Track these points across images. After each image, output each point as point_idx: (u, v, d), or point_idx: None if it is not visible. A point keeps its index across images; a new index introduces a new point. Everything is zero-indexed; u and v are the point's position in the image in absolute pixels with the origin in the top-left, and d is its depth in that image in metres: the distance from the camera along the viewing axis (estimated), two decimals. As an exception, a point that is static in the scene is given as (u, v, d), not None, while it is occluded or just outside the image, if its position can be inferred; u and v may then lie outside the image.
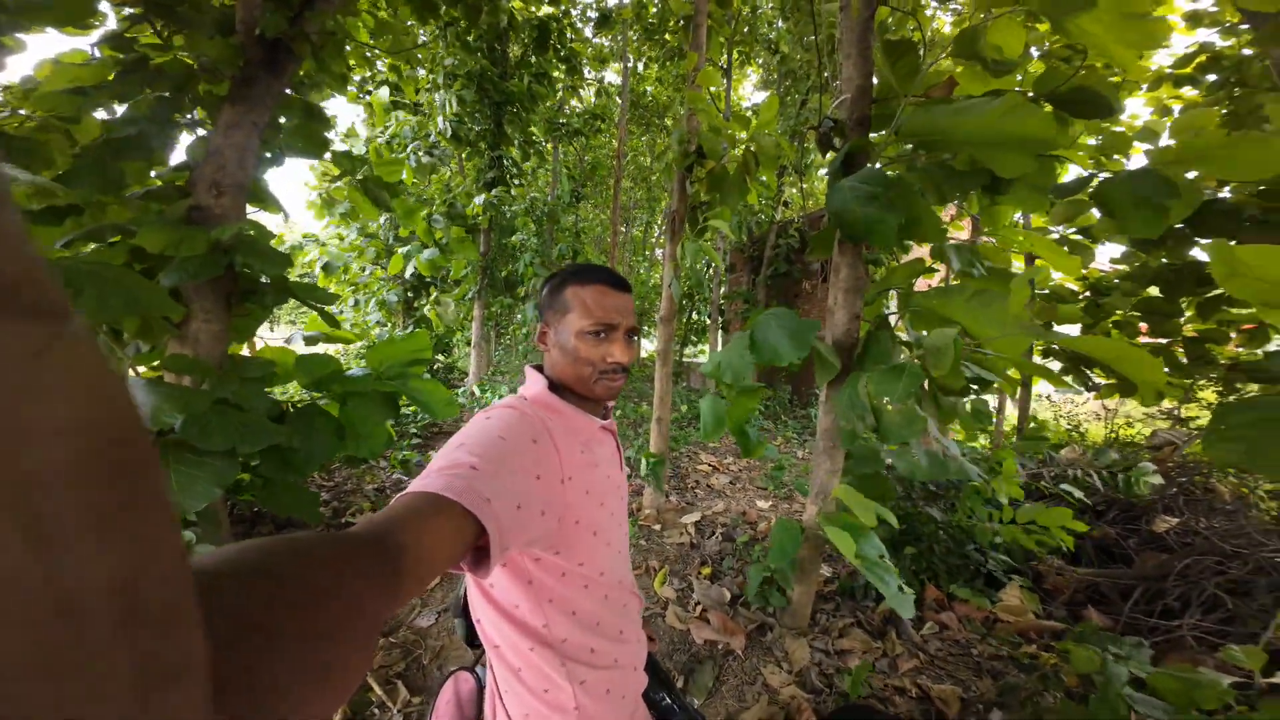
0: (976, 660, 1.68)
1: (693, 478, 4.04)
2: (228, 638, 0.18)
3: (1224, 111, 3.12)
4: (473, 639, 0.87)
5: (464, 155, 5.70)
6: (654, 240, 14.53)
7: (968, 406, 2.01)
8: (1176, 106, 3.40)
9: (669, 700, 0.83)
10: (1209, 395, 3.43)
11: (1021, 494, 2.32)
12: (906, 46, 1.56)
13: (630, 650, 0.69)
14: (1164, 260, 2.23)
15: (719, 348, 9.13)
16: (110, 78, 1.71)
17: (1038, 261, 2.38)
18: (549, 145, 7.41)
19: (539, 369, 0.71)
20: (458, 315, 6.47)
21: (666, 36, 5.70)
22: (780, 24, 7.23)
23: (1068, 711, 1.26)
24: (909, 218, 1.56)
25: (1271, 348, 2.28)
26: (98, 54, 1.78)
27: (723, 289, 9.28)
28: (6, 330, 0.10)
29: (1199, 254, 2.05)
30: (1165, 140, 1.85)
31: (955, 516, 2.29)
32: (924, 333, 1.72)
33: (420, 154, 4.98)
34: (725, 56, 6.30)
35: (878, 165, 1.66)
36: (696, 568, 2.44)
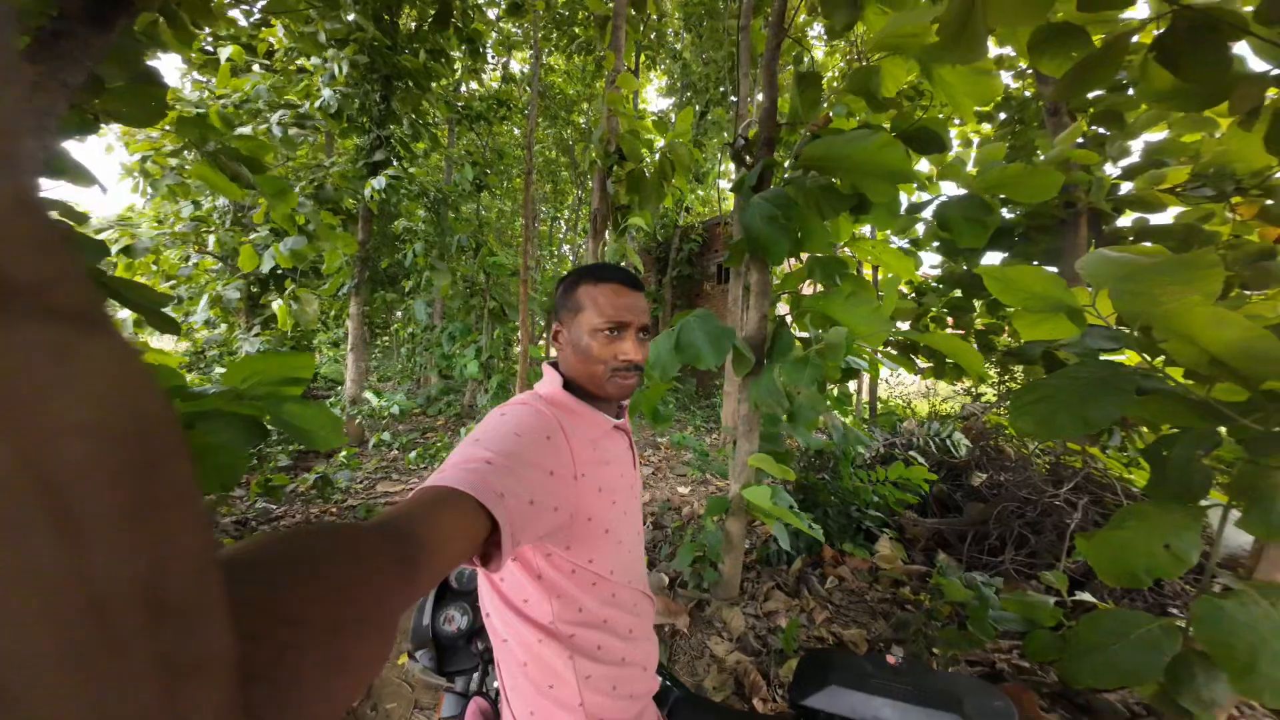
0: (870, 605, 2.03)
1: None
2: (253, 629, 0.18)
3: (1008, 145, 4.15)
4: (443, 666, 0.82)
5: (338, 132, 4.96)
6: (561, 236, 14.27)
7: (835, 391, 2.39)
8: (976, 139, 4.40)
9: (667, 681, 0.87)
10: (991, 375, 4.54)
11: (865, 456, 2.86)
12: (814, 79, 1.80)
13: (639, 649, 0.70)
14: (964, 268, 2.90)
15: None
16: None
17: (881, 269, 2.89)
18: (443, 128, 6.82)
19: (555, 366, 0.72)
20: (318, 314, 5.59)
21: (576, 29, 5.64)
22: (684, 34, 7.61)
23: (954, 636, 1.61)
24: (803, 231, 1.81)
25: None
26: None
27: None
28: (38, 329, 0.10)
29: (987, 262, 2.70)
30: (970, 167, 2.36)
31: (843, 483, 2.70)
32: (818, 330, 2.02)
33: (287, 125, 4.21)
34: (634, 58, 6.45)
35: (778, 185, 1.89)
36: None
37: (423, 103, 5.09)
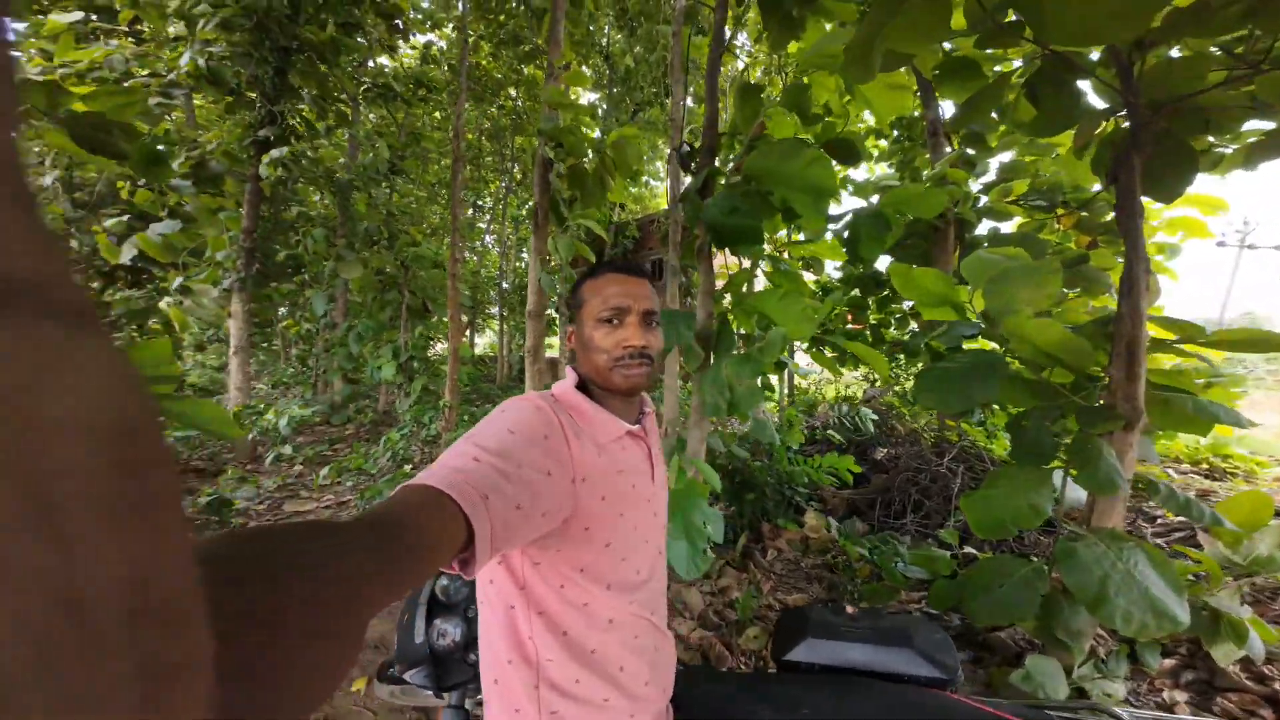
0: (806, 571, 2.27)
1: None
2: (229, 630, 0.18)
3: (897, 161, 4.81)
4: (442, 682, 0.79)
5: (223, 104, 4.21)
6: (483, 226, 13.51)
7: (759, 381, 2.63)
8: (875, 153, 5.02)
9: None
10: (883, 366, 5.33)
11: (803, 438, 3.20)
12: (754, 91, 1.94)
13: (633, 693, 0.61)
14: (860, 270, 3.36)
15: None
16: None
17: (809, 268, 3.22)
18: (348, 106, 6.12)
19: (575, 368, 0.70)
20: (217, 309, 4.75)
21: (501, 18, 5.37)
22: (609, 32, 7.59)
23: (876, 590, 1.86)
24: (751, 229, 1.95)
25: (912, 329, 3.66)
26: None
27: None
28: (29, 328, 0.10)
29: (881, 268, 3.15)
30: (864, 178, 2.71)
31: (780, 465, 2.96)
32: (756, 330, 2.21)
33: (149, 94, 3.48)
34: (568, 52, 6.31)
35: (721, 193, 2.03)
36: None
37: (332, 77, 4.50)
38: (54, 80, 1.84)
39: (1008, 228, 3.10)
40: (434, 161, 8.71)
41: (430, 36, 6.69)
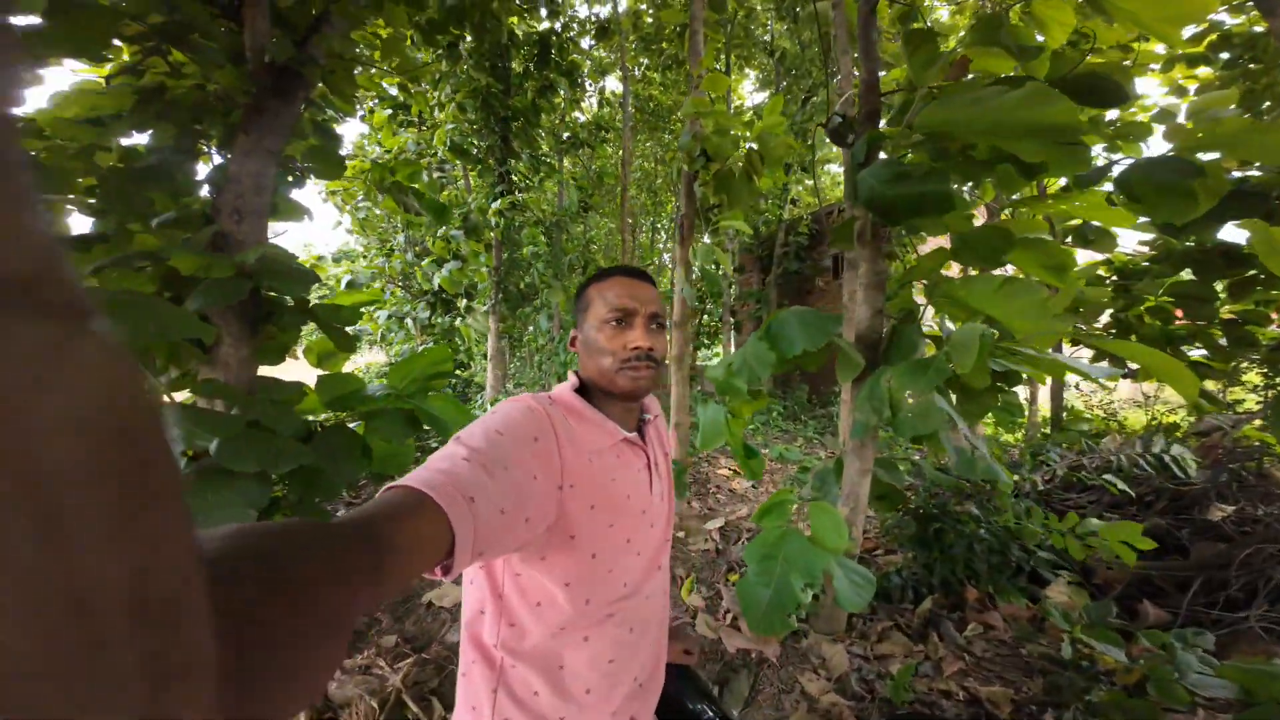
0: (1026, 660, 1.61)
1: (714, 483, 4.00)
2: (227, 630, 0.18)
3: (1240, 91, 3.04)
4: None
5: (472, 170, 5.84)
6: (660, 246, 14.55)
7: (999, 400, 1.93)
8: (1192, 86, 3.33)
9: (711, 712, 0.80)
10: (1253, 377, 3.28)
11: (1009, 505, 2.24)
12: (925, 36, 1.54)
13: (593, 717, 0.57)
14: (1190, 243, 2.15)
15: (733, 349, 9.09)
16: (127, 107, 1.73)
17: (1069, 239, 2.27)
18: (554, 158, 7.52)
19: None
20: (483, 326, 6.63)
21: (664, 45, 5.74)
22: (772, 25, 7.24)
23: (1122, 703, 1.20)
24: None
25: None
26: (110, 84, 1.81)
27: (733, 290, 9.24)
28: (27, 325, 0.10)
29: (1228, 235, 1.96)
30: (1181, 119, 1.77)
31: (1003, 518, 2.20)
32: (959, 325, 1.67)
33: (431, 170, 5.11)
34: (724, 60, 6.33)
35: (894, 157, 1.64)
36: (723, 574, 2.40)
37: (538, 137, 5.73)
38: (385, 162, 2.79)
39: None
40: (618, 195, 9.84)
41: (606, 81, 7.59)
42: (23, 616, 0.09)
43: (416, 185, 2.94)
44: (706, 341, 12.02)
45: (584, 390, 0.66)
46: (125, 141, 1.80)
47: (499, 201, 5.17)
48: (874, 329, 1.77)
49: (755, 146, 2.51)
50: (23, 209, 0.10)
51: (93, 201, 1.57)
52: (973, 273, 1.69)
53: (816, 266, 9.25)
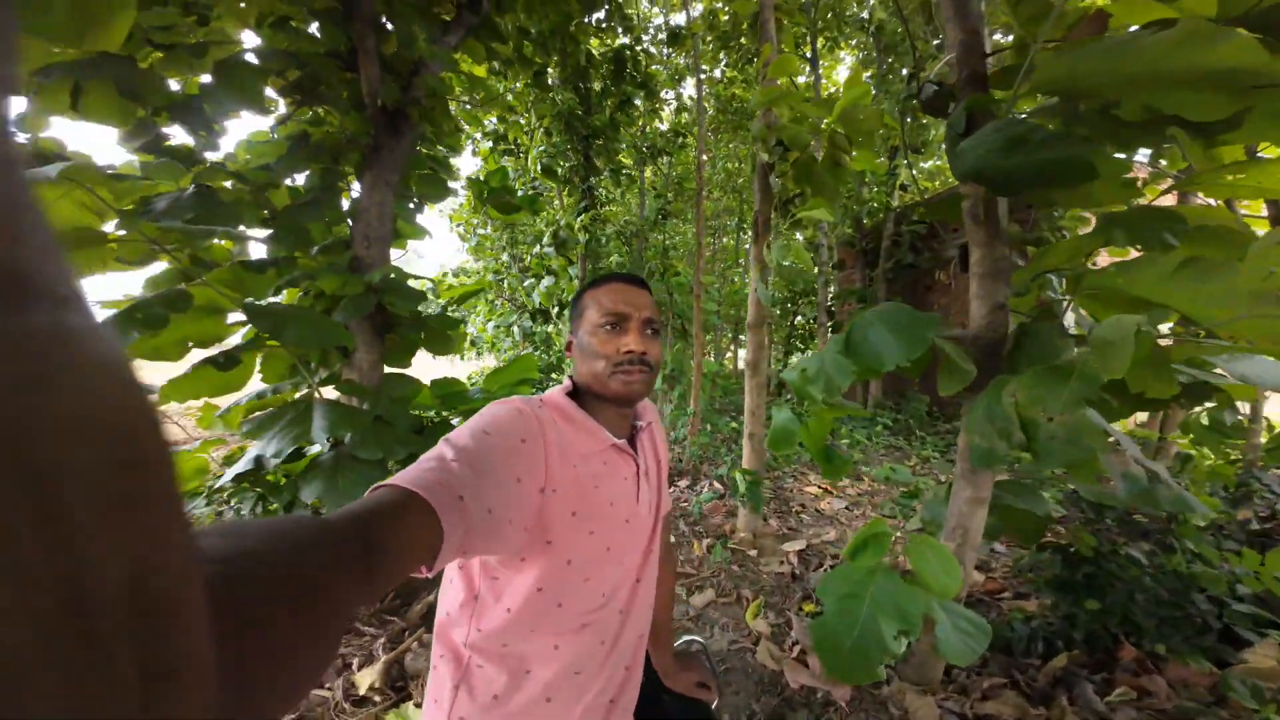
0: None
1: (798, 501, 3.72)
2: (224, 631, 0.18)
3: None
4: None
5: (563, 189, 6.24)
6: (746, 246, 14.08)
7: (1203, 417, 1.48)
8: None
9: None
10: None
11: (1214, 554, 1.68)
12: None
13: None
14: None
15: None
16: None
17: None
18: (634, 168, 7.73)
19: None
20: None
21: (742, 40, 5.58)
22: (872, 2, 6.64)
23: None
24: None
25: None
26: (275, 134, 2.26)
27: (831, 289, 8.52)
28: (21, 318, 0.09)
29: None
30: None
31: (1173, 560, 1.73)
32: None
33: (529, 191, 5.61)
34: (810, 46, 5.96)
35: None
36: (798, 602, 2.21)
37: (618, 152, 5.95)
38: (481, 176, 3.12)
39: None
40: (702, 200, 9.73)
41: (684, 86, 7.57)
42: (19, 613, 0.09)
43: (506, 186, 3.28)
44: (800, 345, 11.28)
45: (578, 395, 0.66)
46: (289, 182, 2.23)
47: (583, 216, 5.47)
48: (993, 328, 1.48)
49: (839, 129, 2.31)
50: (18, 204, 0.10)
51: (268, 233, 1.96)
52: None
53: (937, 259, 8.06)
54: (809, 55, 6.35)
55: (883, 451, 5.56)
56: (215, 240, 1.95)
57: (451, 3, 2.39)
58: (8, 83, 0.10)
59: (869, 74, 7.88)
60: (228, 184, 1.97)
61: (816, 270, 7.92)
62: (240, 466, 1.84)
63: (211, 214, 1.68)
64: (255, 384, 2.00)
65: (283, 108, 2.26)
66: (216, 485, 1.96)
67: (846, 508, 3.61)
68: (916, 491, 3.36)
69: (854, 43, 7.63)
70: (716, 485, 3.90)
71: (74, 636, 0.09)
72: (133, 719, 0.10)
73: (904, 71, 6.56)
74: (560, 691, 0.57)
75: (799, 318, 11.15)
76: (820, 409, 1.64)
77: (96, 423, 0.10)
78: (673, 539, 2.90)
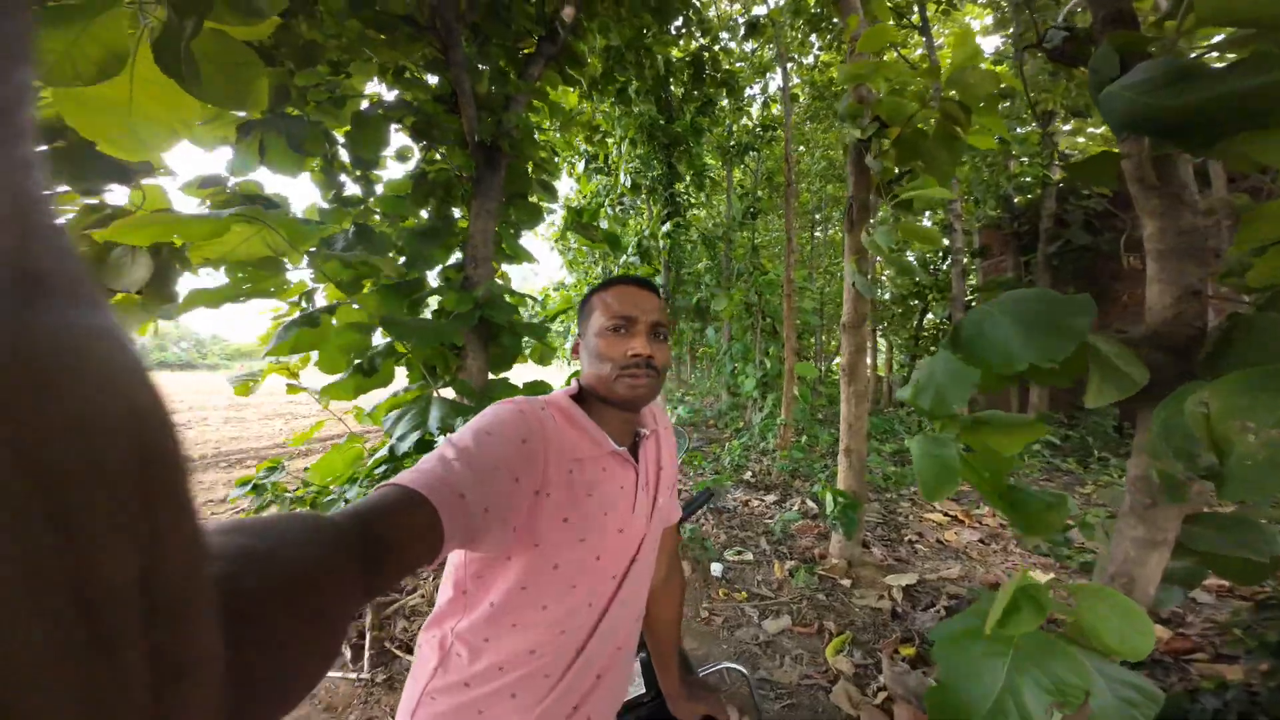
0: None
1: (913, 529, 3.26)
2: (226, 630, 0.18)
3: None
4: None
5: (648, 200, 6.41)
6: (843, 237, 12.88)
7: None
8: None
9: None
10: None
11: None
12: None
13: None
14: None
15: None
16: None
17: None
18: (721, 170, 7.59)
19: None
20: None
21: (834, 20, 5.17)
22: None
23: None
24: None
25: None
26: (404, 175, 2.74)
27: (971, 280, 7.35)
28: (33, 316, 0.09)
29: None
30: None
31: None
32: None
33: (617, 208, 5.89)
34: (919, 14, 5.31)
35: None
36: (894, 643, 1.93)
37: (701, 156, 5.93)
38: (575, 205, 3.43)
39: None
40: (793, 193, 9.23)
41: (770, 77, 7.20)
42: (29, 613, 0.09)
43: (597, 221, 3.53)
44: (932, 350, 10.00)
45: (582, 398, 0.66)
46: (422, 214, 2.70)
47: (666, 224, 5.55)
48: (1182, 321, 1.07)
49: (953, 94, 2.01)
50: (32, 204, 0.10)
51: (404, 259, 2.41)
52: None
53: (1119, 240, 5.87)
54: (918, 25, 5.63)
55: (1042, 476, 4.47)
56: (378, 268, 2.47)
57: (532, 36, 2.63)
58: (23, 87, 0.10)
59: (1004, 34, 6.67)
60: (376, 216, 2.49)
61: (944, 254, 6.90)
62: (381, 453, 2.21)
63: (369, 247, 2.13)
64: (400, 382, 2.42)
65: (416, 152, 2.70)
66: (365, 471, 2.37)
67: (981, 540, 3.06)
68: (1087, 524, 2.65)
69: (981, 1, 6.59)
70: (809, 503, 3.60)
71: (86, 636, 0.09)
72: (144, 717, 0.10)
73: (1043, 29, 5.48)
74: (526, 691, 0.58)
75: (929, 315, 9.72)
76: (999, 441, 1.18)
77: (108, 421, 0.10)
78: (749, 556, 2.76)
